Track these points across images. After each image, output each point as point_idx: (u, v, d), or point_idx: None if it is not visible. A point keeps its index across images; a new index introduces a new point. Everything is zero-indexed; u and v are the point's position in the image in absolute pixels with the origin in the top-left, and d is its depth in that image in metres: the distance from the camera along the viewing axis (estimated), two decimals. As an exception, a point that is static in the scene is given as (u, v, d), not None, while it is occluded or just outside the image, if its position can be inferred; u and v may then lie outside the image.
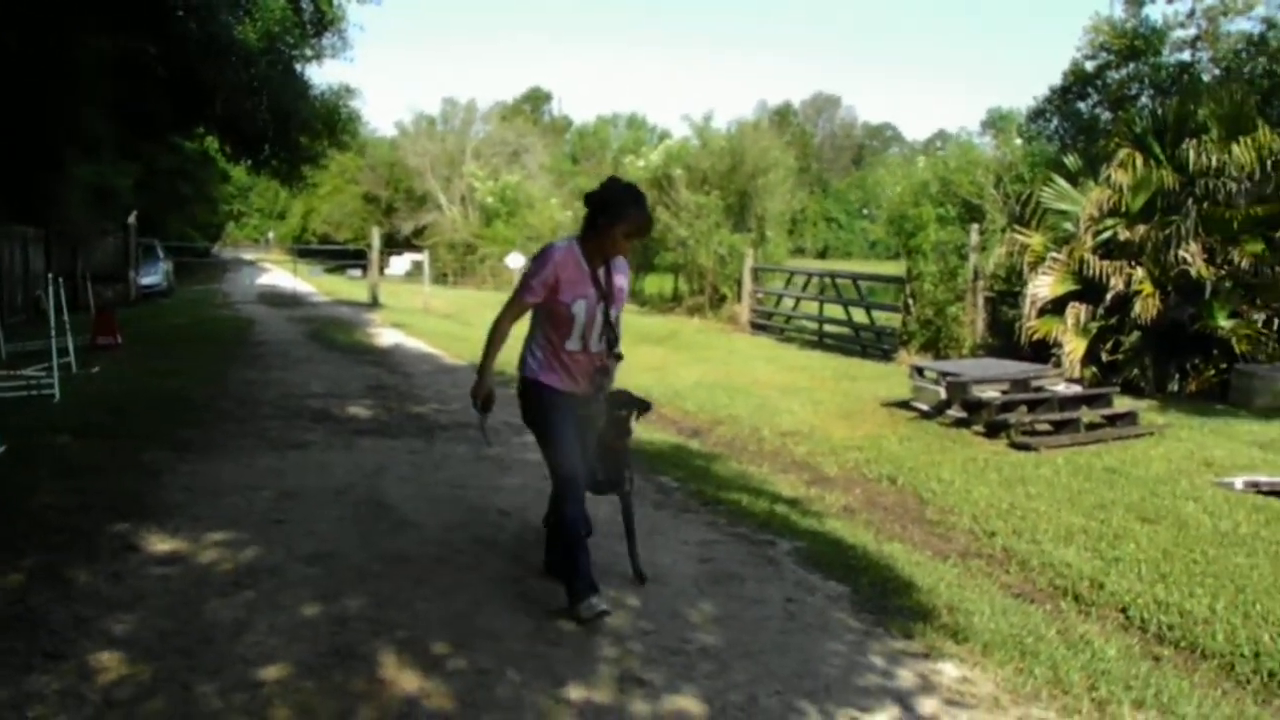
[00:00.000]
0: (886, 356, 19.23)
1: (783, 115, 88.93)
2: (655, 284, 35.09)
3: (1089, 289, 15.46)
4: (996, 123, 39.18)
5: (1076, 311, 15.36)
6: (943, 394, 12.43)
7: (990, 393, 12.02)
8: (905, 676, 4.64)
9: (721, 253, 29.25)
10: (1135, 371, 15.00)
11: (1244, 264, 14.66)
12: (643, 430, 11.38)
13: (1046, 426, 11.81)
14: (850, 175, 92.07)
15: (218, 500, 7.11)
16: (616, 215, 5.01)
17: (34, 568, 5.49)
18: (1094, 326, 15.29)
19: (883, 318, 21.58)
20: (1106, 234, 15.76)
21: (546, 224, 39.31)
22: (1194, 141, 15.39)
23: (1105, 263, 15.30)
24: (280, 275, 46.50)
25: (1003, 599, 6.20)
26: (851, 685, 4.51)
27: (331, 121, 21.33)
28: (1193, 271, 14.62)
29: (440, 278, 41.66)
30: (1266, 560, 7.05)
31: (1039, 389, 12.48)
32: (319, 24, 19.75)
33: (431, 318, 25.51)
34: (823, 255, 73.92)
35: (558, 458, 5.20)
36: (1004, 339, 17.48)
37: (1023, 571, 6.98)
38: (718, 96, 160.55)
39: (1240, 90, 16.54)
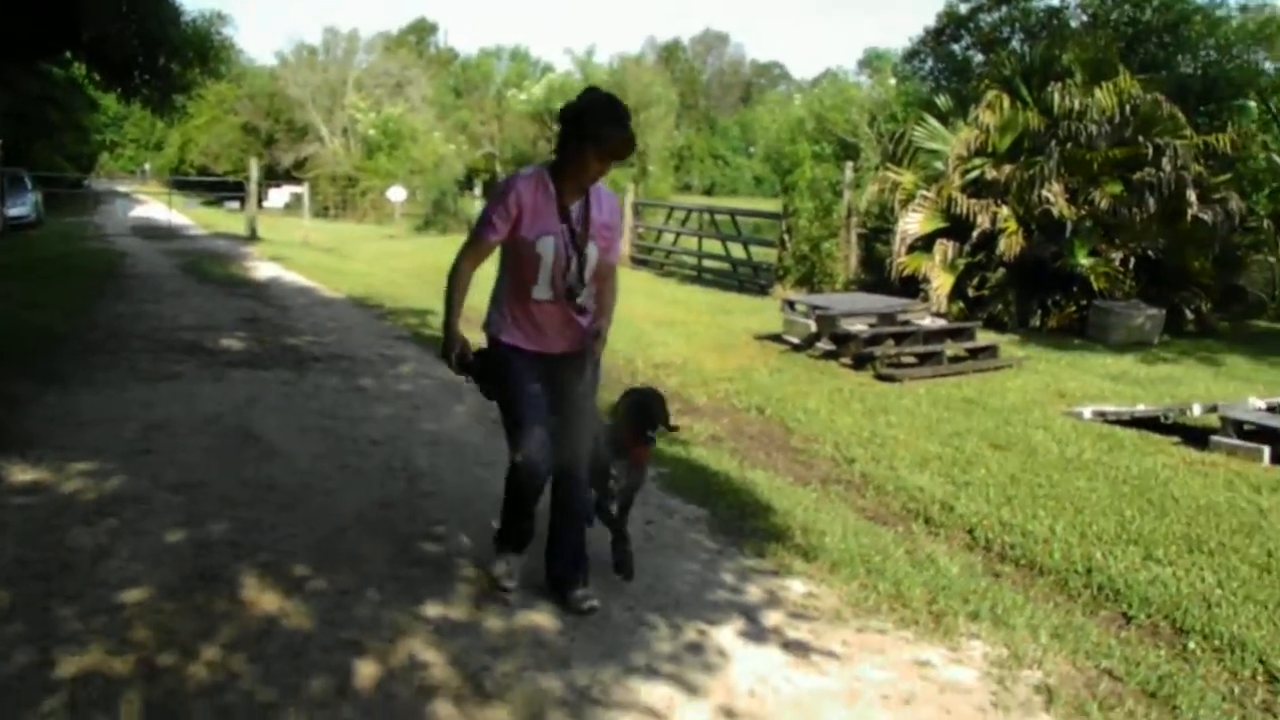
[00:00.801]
0: (763, 291, 19.51)
1: (671, 52, 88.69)
2: (537, 218, 34.95)
3: (957, 227, 15.88)
4: (873, 63, 39.65)
5: (944, 248, 15.77)
6: (813, 327, 12.71)
7: (858, 326, 12.33)
8: (753, 592, 4.85)
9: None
10: (999, 307, 15.49)
11: (1103, 204, 15.18)
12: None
13: (911, 359, 12.18)
14: (738, 113, 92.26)
15: (83, 431, 7.04)
16: (589, 135, 4.15)
17: (-112, 498, 5.41)
18: (961, 263, 15.73)
19: (760, 253, 21.83)
20: (974, 173, 16.18)
21: (429, 157, 38.82)
22: (1059, 85, 15.83)
23: (973, 201, 15.72)
24: (156, 208, 45.19)
25: (856, 521, 6.44)
26: (701, 600, 4.70)
27: (204, 49, 20.63)
28: (1055, 211, 15.11)
29: (321, 211, 40.94)
30: (1105, 484, 7.44)
31: (905, 323, 12.84)
32: (190, -55, 19.11)
33: (311, 251, 25.15)
34: (709, 192, 74.06)
35: (515, 439, 4.33)
36: (876, 274, 17.87)
37: (878, 496, 7.25)
38: (606, 32, 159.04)
39: (1104, 37, 17.04)
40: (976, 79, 18.68)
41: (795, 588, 4.95)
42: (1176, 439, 8.90)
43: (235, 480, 6.04)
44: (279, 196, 47.68)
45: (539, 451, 4.27)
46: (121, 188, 66.82)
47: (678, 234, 25.15)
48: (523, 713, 3.65)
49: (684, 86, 60.71)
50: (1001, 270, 15.45)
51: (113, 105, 46.48)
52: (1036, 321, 15.59)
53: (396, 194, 33.21)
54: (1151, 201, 15.11)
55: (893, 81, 23.99)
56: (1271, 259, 16.91)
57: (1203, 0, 19.81)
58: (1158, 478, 7.62)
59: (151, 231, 31.04)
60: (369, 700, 3.69)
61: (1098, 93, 15.51)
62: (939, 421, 9.36)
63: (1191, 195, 15.17)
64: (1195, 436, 8.88)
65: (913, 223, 16.34)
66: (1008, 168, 15.81)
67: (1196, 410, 9.28)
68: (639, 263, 25.37)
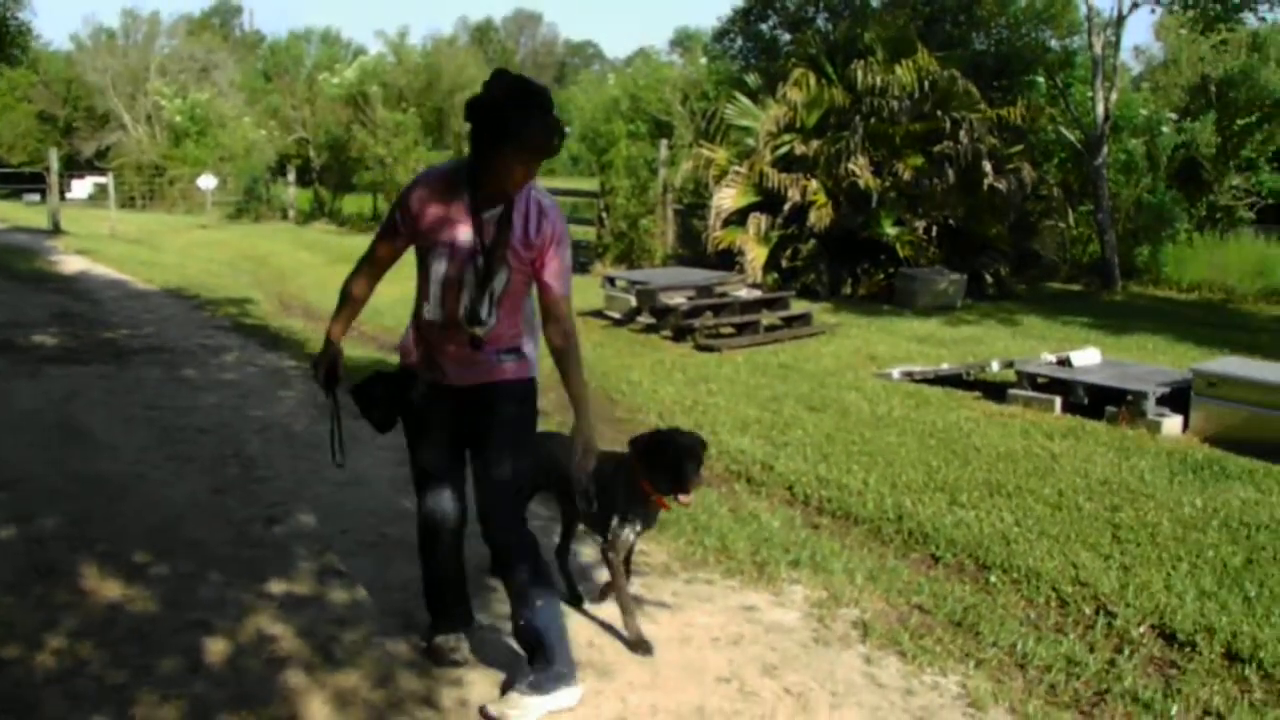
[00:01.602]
0: (583, 269, 19.65)
1: (484, 32, 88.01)
2: (355, 204, 34.43)
3: (769, 200, 16.35)
4: (684, 42, 40.23)
5: (758, 221, 16.23)
6: (633, 302, 12.97)
7: (677, 299, 12.62)
8: (585, 553, 5.04)
9: (420, 171, 28.98)
10: (812, 276, 16.02)
11: (906, 176, 15.85)
12: (343, 347, 11.43)
13: (729, 329, 12.54)
14: (553, 93, 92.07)
15: (-114, 431, 6.79)
16: (504, 130, 3.33)
17: None
18: (774, 235, 16.20)
19: (579, 232, 22.00)
20: (784, 149, 16.67)
21: (240, 143, 37.70)
22: (862, 63, 16.42)
23: (783, 175, 16.19)
24: (-63, 202, 42.89)
25: (682, 483, 6.69)
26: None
27: (-1, 34, 19.73)
28: (861, 184, 15.70)
29: (128, 201, 39.30)
30: (913, 438, 7.87)
31: (723, 294, 13.20)
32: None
33: (119, 243, 24.25)
34: (525, 173, 73.87)
35: (415, 484, 3.87)
36: (693, 249, 18.26)
37: (702, 459, 7.51)
38: (416, 13, 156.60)
39: (904, 16, 17.76)
40: (784, 58, 19.24)
41: (626, 546, 5.15)
42: (978, 394, 9.48)
43: (62, 474, 5.93)
44: (82, 188, 45.55)
45: (434, 500, 3.76)
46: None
47: (496, 215, 25.12)
48: (373, 675, 3.76)
49: (498, 67, 60.50)
50: (813, 241, 15.98)
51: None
52: (848, 289, 16.17)
53: (206, 182, 32.17)
54: (950, 173, 15.88)
55: (704, 61, 24.48)
56: (1061, 225, 17.96)
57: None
58: (961, 430, 8.11)
59: (-59, 228, 29.48)
60: (221, 674, 3.75)
61: (898, 70, 16.18)
62: (757, 387, 9.71)
63: (987, 166, 16.01)
64: (994, 391, 9.49)
65: (726, 198, 16.75)
66: (815, 143, 16.35)
67: (995, 366, 9.89)
68: (459, 245, 25.32)
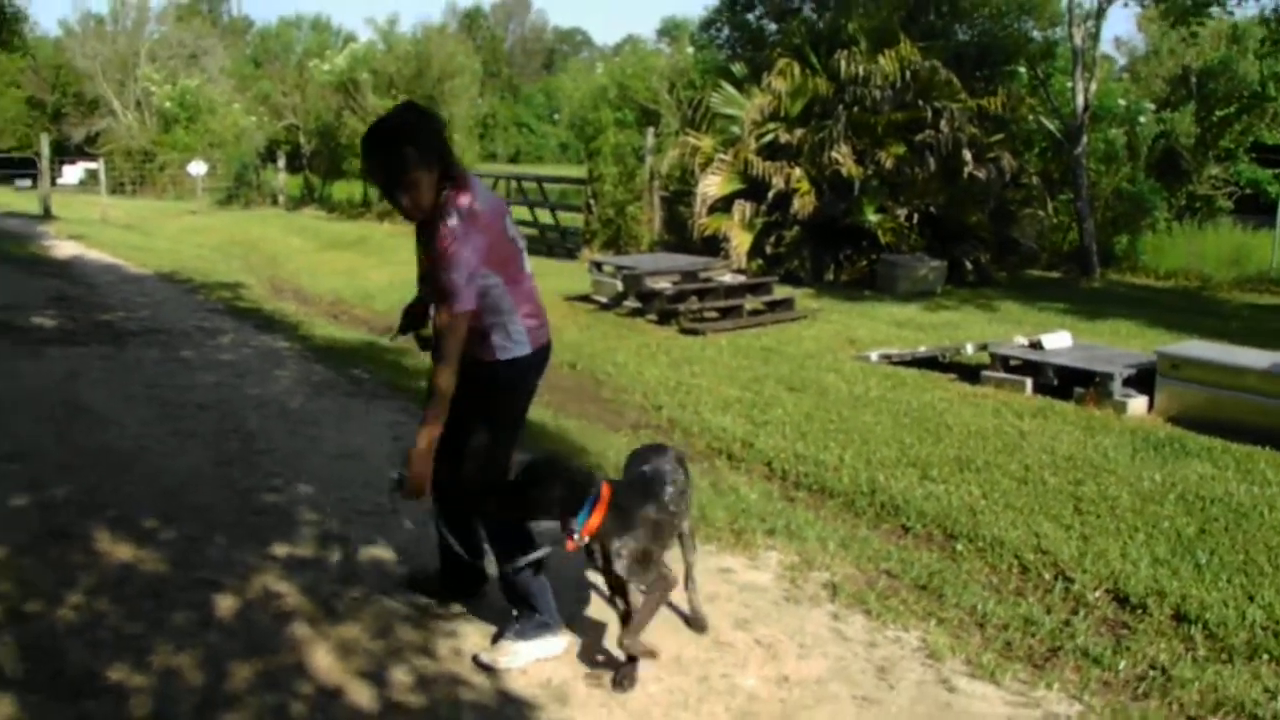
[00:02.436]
0: (571, 255, 19.94)
1: (472, 19, 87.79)
2: (344, 190, 34.57)
3: (754, 188, 16.61)
4: (671, 31, 40.40)
5: (743, 209, 16.49)
6: (620, 286, 13.23)
7: (662, 284, 12.88)
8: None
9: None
10: (796, 262, 16.28)
11: (888, 165, 16.10)
12: (334, 330, 11.69)
13: (714, 313, 12.81)
14: (541, 80, 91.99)
15: (-101, 408, 7.02)
16: None
17: None
18: (759, 222, 16.47)
19: (567, 218, 22.29)
20: (769, 137, 16.92)
21: (229, 130, 37.82)
22: (845, 53, 16.65)
23: (768, 163, 16.44)
24: (-74, 187, 42.88)
25: (665, 459, 6.97)
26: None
27: (-4, 21, 19.89)
28: (844, 171, 15.97)
29: (118, 187, 39.33)
30: (889, 417, 8.16)
31: (707, 280, 13.47)
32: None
33: (111, 228, 24.40)
34: (514, 160, 73.79)
35: None
36: (679, 235, 18.50)
37: (685, 437, 7.78)
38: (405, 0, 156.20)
39: (887, 7, 17.92)
40: (769, 47, 19.42)
41: (608, 515, 5.42)
42: (953, 376, 9.79)
43: (70, 448, 6.16)
44: (73, 173, 45.66)
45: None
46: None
47: (486, 202, 25.35)
48: (373, 628, 4.03)
49: (486, 54, 60.47)
50: (796, 228, 16.26)
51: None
52: (830, 275, 16.44)
53: (196, 168, 32.30)
54: (932, 161, 16.15)
55: (691, 50, 24.66)
56: (1041, 213, 18.24)
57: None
58: (935, 409, 8.41)
59: (-69, 213, 29.57)
60: (231, 626, 4.02)
61: (881, 60, 16.42)
62: (740, 369, 9.98)
63: (968, 155, 16.28)
64: (969, 373, 9.79)
65: (712, 185, 17.00)
66: (799, 131, 16.62)
67: (969, 349, 10.20)
68: (448, 231, 25.50)
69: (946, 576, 5.00)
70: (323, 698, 3.57)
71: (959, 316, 13.44)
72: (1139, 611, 4.73)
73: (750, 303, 13.32)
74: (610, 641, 3.98)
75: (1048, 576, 5.13)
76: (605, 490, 3.69)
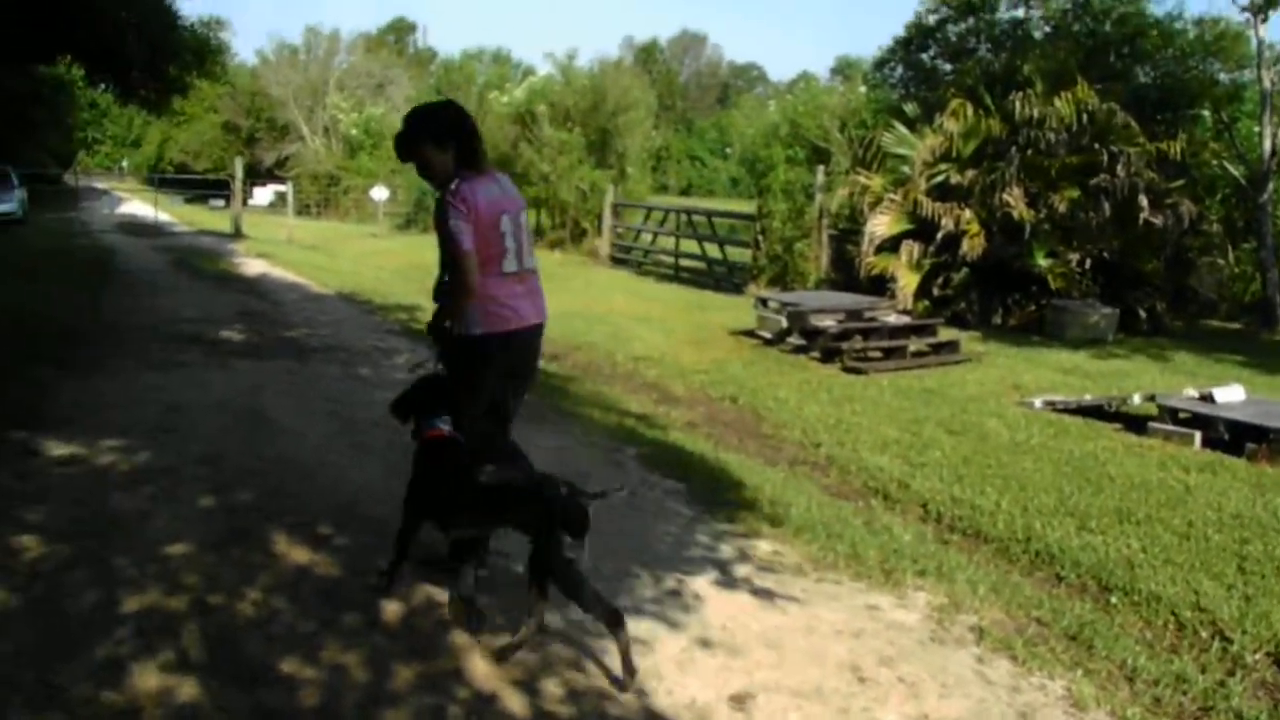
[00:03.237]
0: (737, 290, 20.13)
1: (648, 53, 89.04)
2: (518, 218, 35.46)
3: (922, 228, 16.56)
4: (845, 70, 40.38)
5: (910, 249, 16.44)
6: (784, 323, 13.34)
7: (827, 322, 12.96)
8: (725, 550, 5.46)
9: (583, 188, 29.77)
10: (962, 305, 16.17)
11: (1061, 208, 15.89)
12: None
13: (877, 353, 12.83)
14: (715, 115, 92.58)
15: (107, 412, 7.53)
16: None
17: (-60, 466, 5.95)
18: (926, 263, 16.40)
19: (735, 253, 22.50)
20: (939, 178, 16.86)
21: (411, 156, 39.29)
22: (1020, 94, 16.52)
23: (937, 204, 16.39)
24: (138, 205, 45.39)
25: (820, 496, 7.07)
26: (679, 556, 5.31)
27: (202, 53, 21.25)
28: (1015, 214, 15.80)
29: (303, 209, 41.23)
30: (1049, 465, 8.09)
31: (872, 319, 13.48)
32: (190, -46, 19.70)
33: (296, 248, 25.55)
34: (685, 193, 74.30)
35: None
36: (845, 274, 18.49)
37: (841, 475, 7.87)
38: (583, 33, 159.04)
39: (1065, 48, 17.74)
40: (943, 87, 19.38)
41: (762, 547, 5.57)
42: (1118, 426, 9.62)
43: (253, 455, 6.58)
44: (263, 195, 48.02)
45: None
46: (99, 184, 66.84)
47: (655, 234, 25.83)
48: (528, 640, 4.25)
49: (661, 88, 61.36)
50: (964, 270, 16.15)
51: (97, 101, 46.42)
52: (997, 319, 16.26)
53: (379, 193, 33.65)
54: (1107, 206, 15.86)
55: (863, 89, 24.68)
56: (1221, 262, 17.69)
57: (1159, 13, 20.55)
58: (1097, 459, 8.30)
59: (138, 228, 31.31)
60: (396, 630, 4.29)
61: (1057, 102, 16.22)
62: (900, 410, 10.00)
63: (1144, 200, 15.92)
64: (1135, 423, 9.61)
65: (881, 224, 17.01)
66: (971, 173, 16.52)
67: (1136, 399, 10.01)
68: (617, 261, 26.02)
69: (1098, 628, 4.98)
70: (478, 703, 3.80)
71: (1129, 365, 13.15)
72: (1301, 676, 4.65)
73: (914, 344, 13.28)
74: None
75: (1205, 635, 5.07)
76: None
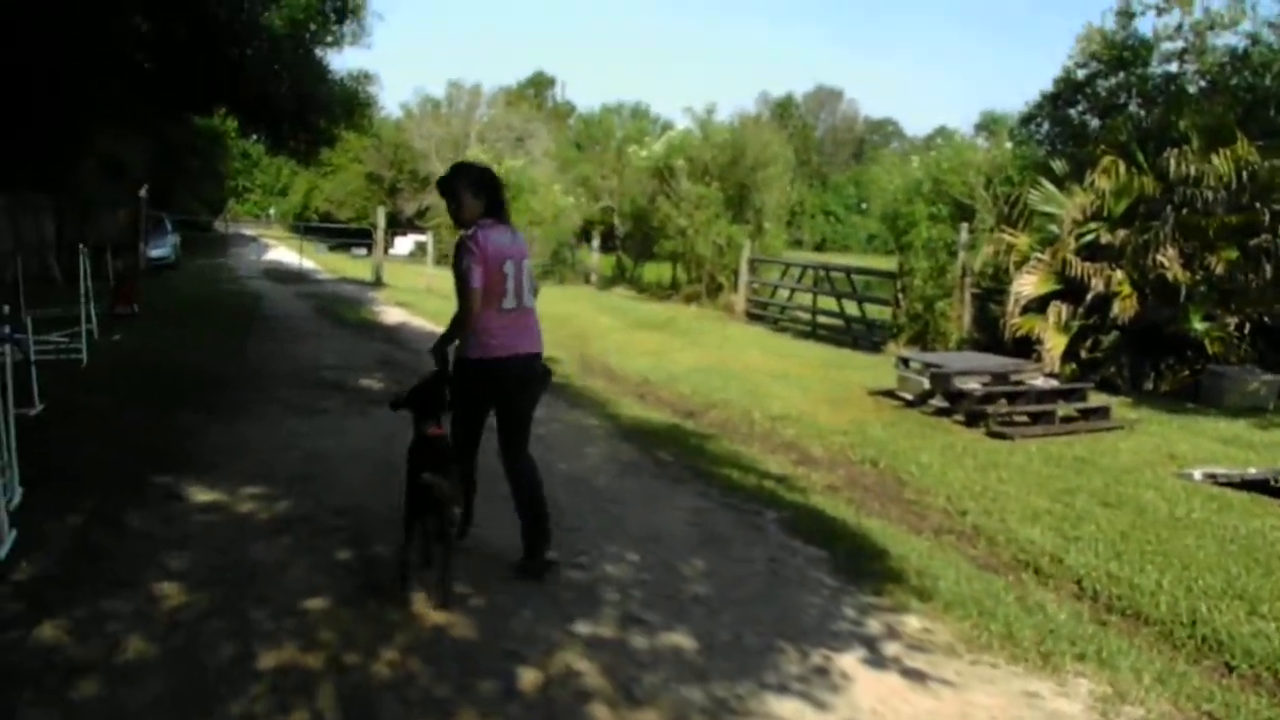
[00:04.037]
0: (876, 348, 19.83)
1: (784, 107, 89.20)
2: (654, 272, 35.67)
3: (1071, 289, 16.05)
4: (989, 125, 39.78)
5: (1058, 310, 15.95)
6: (926, 384, 13.02)
7: (971, 384, 12.60)
8: (873, 625, 5.25)
9: (720, 243, 29.77)
10: (1112, 369, 15.60)
11: (1219, 270, 15.25)
12: (640, 410, 12.01)
13: (1024, 418, 12.41)
14: (851, 169, 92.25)
15: (250, 458, 7.71)
16: None
17: (91, 511, 6.08)
18: (1074, 325, 15.88)
19: (874, 310, 22.21)
20: (1089, 237, 16.35)
21: (549, 209, 39.68)
22: (1175, 151, 15.93)
23: (1087, 264, 15.88)
24: (284, 251, 47.01)
25: (968, 568, 6.80)
26: (826, 630, 5.13)
27: (350, 106, 21.99)
28: (1170, 275, 15.22)
29: (443, 258, 41.95)
30: (1213, 542, 7.66)
31: (1018, 382, 13.07)
32: (340, 11, 20.36)
33: (435, 297, 25.97)
34: (820, 248, 74.14)
35: None
36: (989, 334, 18.05)
37: (989, 546, 7.58)
38: (720, 87, 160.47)
39: (1222, 103, 17.11)
40: (1092, 144, 18.83)
41: (912, 623, 5.35)
42: (1287, 502, 9.08)
43: (391, 507, 6.57)
44: (404, 244, 49.33)
45: None
46: (248, 231, 69.46)
47: (792, 290, 25.67)
48: (669, 716, 4.10)
49: (797, 142, 61.25)
50: (1115, 333, 15.59)
51: (247, 150, 48.17)
52: (1150, 384, 15.66)
53: (516, 244, 34.06)
54: (1268, 268, 15.18)
55: (1009, 145, 24.20)
56: (1395, 328, 16.78)
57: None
58: (1265, 538, 7.82)
59: (282, 275, 32.40)
60: (533, 700, 4.20)
61: (1214, 159, 15.61)
62: (1050, 479, 9.62)
63: (1310, 263, 15.20)
64: (1306, 500, 9.06)
65: (1027, 284, 16.56)
66: (1122, 232, 15.98)
67: (1307, 474, 9.45)
68: (753, 317, 25.90)
69: (1278, 726, 4.65)
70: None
71: (1295, 437, 12.51)
72: None
73: (1063, 409, 12.79)
74: None
75: (1396, 737, 4.68)
76: None
